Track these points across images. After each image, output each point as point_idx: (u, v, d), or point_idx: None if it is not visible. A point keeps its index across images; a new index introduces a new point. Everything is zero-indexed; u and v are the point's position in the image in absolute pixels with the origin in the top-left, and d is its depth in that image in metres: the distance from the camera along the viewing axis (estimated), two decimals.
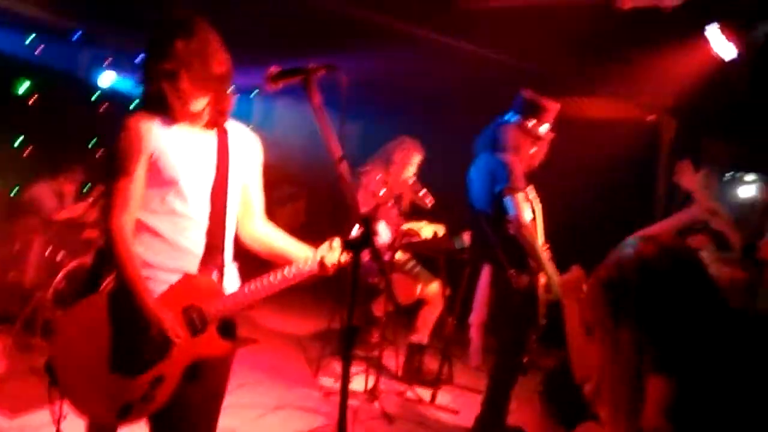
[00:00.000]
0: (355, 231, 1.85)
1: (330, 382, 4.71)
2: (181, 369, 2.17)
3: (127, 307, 2.12)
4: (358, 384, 4.57)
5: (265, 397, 4.25)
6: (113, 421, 2.20)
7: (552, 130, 3.88)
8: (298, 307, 6.41)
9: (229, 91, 2.25)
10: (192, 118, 2.22)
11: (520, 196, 3.64)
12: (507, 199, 3.65)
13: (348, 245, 1.88)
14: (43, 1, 5.86)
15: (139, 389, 2.14)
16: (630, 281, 1.93)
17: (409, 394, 4.69)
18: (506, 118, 3.87)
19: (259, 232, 2.43)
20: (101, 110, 6.76)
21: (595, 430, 2.15)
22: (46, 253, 5.17)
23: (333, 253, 2.21)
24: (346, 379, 1.82)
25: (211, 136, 2.28)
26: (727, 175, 4.94)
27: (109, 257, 2.16)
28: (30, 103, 6.54)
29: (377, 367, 4.52)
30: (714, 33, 4.58)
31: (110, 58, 6.61)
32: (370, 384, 4.47)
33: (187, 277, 2.20)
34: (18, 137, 6.56)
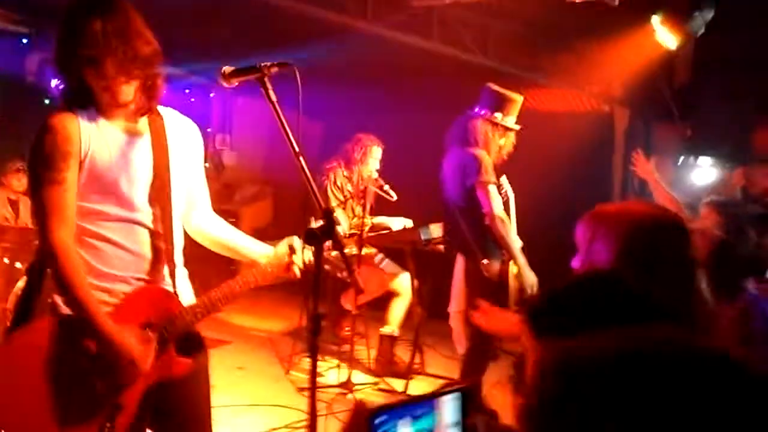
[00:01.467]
0: (317, 223, 1.82)
1: (303, 378, 4.75)
2: (139, 395, 1.98)
3: (78, 337, 1.89)
4: (331, 377, 4.65)
5: (238, 397, 4.26)
6: None
7: (517, 122, 4.01)
8: (267, 305, 6.42)
9: (159, 73, 1.98)
10: (122, 108, 1.96)
11: (491, 188, 3.77)
12: (479, 192, 3.77)
13: (310, 236, 1.81)
14: None
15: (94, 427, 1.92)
16: None
17: (383, 385, 4.77)
18: (474, 112, 3.97)
19: (206, 225, 2.23)
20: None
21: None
22: (5, 261, 5.07)
23: (297, 254, 2.11)
24: (314, 367, 1.77)
25: (145, 127, 2.03)
26: (680, 160, 5.14)
27: (54, 278, 1.89)
28: None
29: (350, 360, 4.59)
30: (657, 24, 4.78)
31: None
32: (344, 377, 4.54)
33: (142, 289, 2.01)
34: None
